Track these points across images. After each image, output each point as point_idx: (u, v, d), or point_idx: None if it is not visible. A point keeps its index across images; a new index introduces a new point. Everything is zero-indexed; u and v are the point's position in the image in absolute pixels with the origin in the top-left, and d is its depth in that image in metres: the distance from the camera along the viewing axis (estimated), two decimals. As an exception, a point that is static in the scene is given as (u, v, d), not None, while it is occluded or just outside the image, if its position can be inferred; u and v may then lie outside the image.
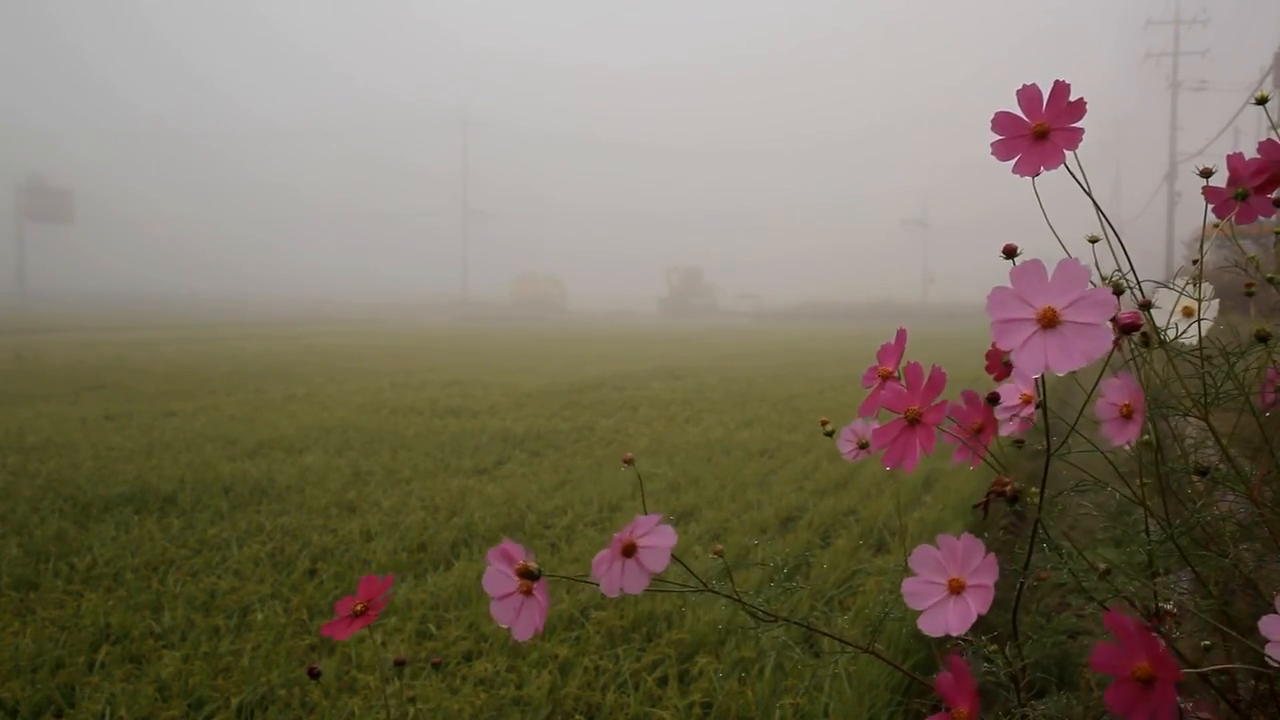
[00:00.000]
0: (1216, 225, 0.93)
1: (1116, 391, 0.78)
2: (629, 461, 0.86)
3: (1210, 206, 0.92)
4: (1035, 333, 0.64)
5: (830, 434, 0.99)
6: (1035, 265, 0.65)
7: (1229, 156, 0.92)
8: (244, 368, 11.10)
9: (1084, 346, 0.63)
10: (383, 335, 21.71)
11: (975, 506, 0.74)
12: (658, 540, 0.74)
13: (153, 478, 4.31)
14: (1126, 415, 0.77)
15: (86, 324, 25.27)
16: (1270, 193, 0.90)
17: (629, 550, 0.74)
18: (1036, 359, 0.64)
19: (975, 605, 0.70)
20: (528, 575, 0.75)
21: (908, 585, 0.73)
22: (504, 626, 0.77)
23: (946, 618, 0.71)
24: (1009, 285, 0.65)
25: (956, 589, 0.71)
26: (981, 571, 0.71)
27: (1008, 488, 0.74)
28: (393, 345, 17.13)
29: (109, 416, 6.56)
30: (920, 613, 0.73)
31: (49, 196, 54.61)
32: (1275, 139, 0.91)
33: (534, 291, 52.14)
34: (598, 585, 0.77)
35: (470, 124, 66.69)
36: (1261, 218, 0.91)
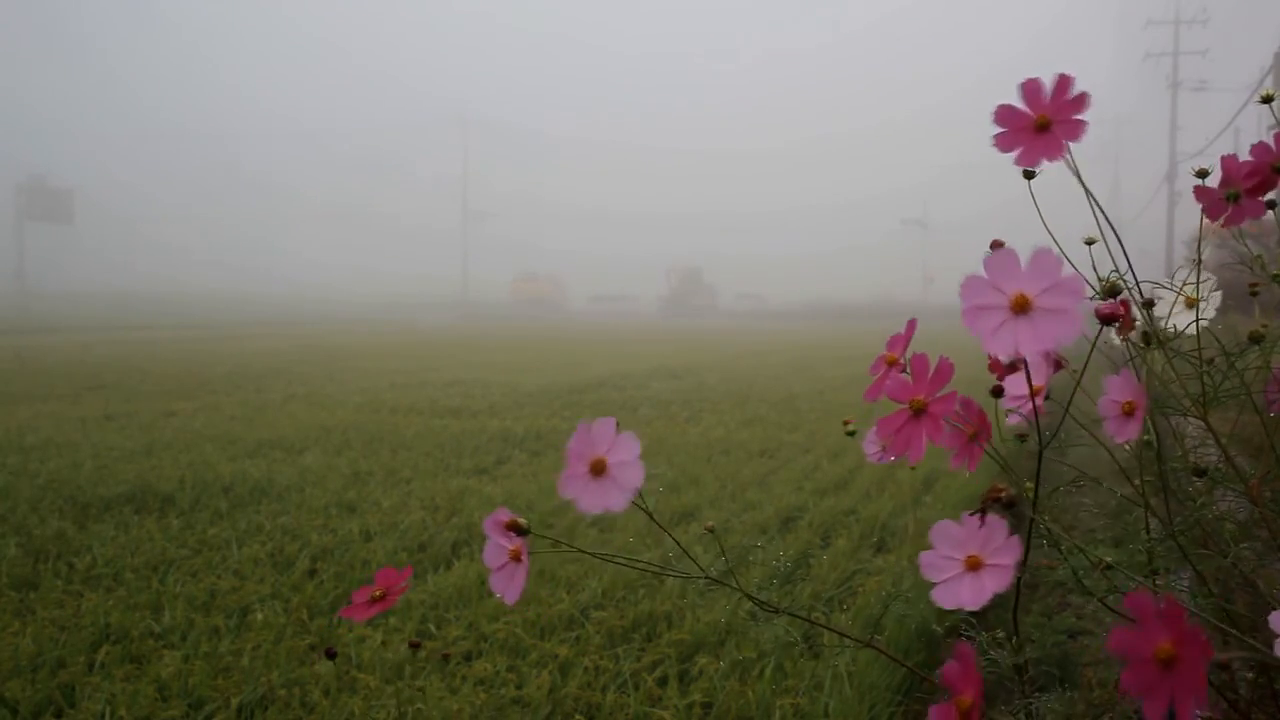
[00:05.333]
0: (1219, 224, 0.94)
1: (1119, 388, 0.78)
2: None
3: (1202, 207, 0.93)
4: (1007, 319, 0.65)
5: (852, 434, 0.99)
6: (1009, 254, 0.66)
7: (1224, 158, 0.92)
8: (244, 368, 11.09)
9: (1055, 331, 0.64)
10: (383, 335, 21.71)
11: (971, 514, 0.74)
12: (625, 454, 0.73)
13: (153, 478, 4.31)
14: (1129, 413, 0.77)
15: (86, 324, 25.26)
16: (1261, 194, 0.91)
17: (599, 468, 0.73)
18: (1008, 343, 0.65)
19: (991, 583, 0.70)
20: (517, 530, 0.76)
21: (925, 558, 0.73)
22: (498, 595, 0.78)
23: (960, 592, 0.71)
24: (982, 273, 0.66)
25: (974, 566, 0.71)
26: (1003, 551, 0.71)
27: (1003, 494, 0.74)
28: (393, 345, 17.13)
29: (109, 416, 6.56)
30: (931, 596, 0.73)
31: (49, 196, 54.59)
32: (1267, 142, 0.91)
33: (534, 291, 52.06)
34: (591, 556, 0.78)
35: (469, 124, 66.73)
36: (1267, 215, 0.91)
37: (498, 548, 0.79)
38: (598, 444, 0.74)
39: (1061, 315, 0.64)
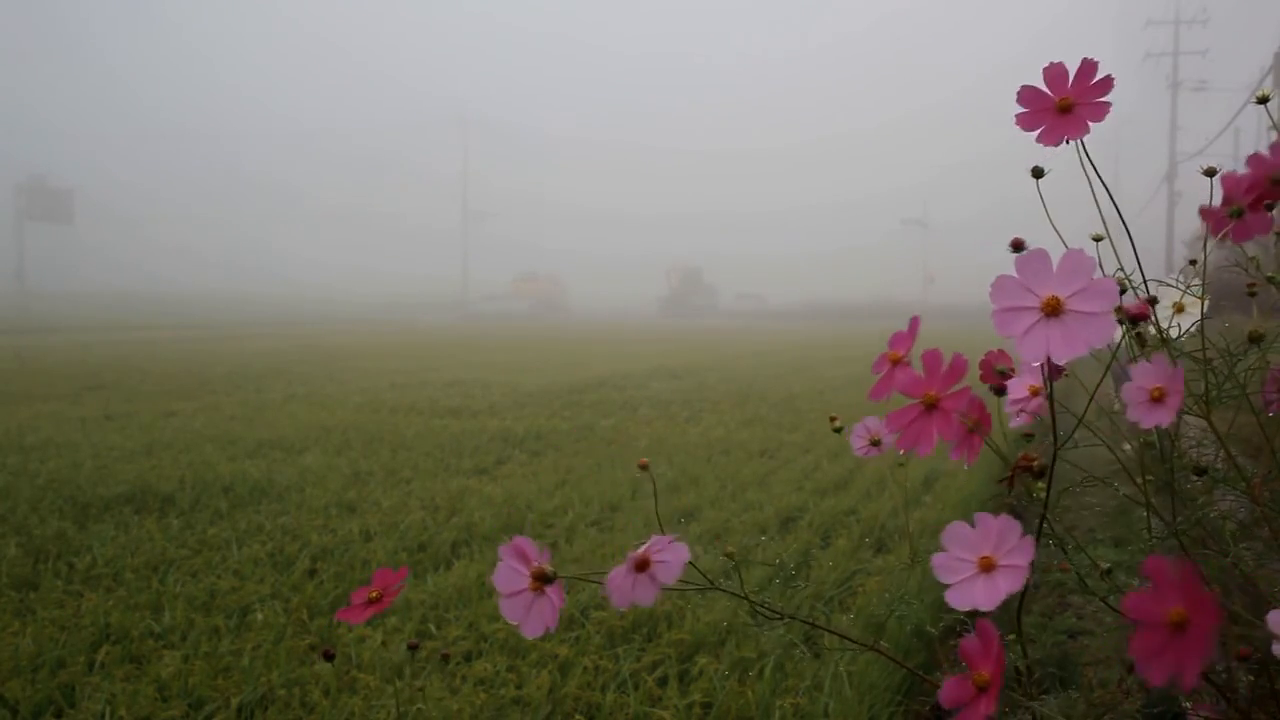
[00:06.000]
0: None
1: (1146, 375, 0.77)
2: (644, 467, 0.86)
3: (1208, 227, 0.93)
4: (1038, 321, 0.64)
5: (839, 430, 0.98)
6: (1040, 254, 0.65)
7: (1223, 176, 0.93)
8: (244, 368, 11.09)
9: (1087, 335, 0.63)
10: (383, 335, 21.71)
11: (1000, 481, 0.73)
12: (671, 556, 0.75)
13: (153, 478, 4.31)
14: (1158, 399, 0.76)
15: (86, 324, 25.26)
16: (1263, 207, 0.91)
17: (642, 566, 0.75)
18: (1039, 347, 0.63)
19: (1005, 584, 0.70)
20: (543, 579, 0.76)
21: (937, 560, 0.73)
22: (513, 623, 0.77)
23: (975, 593, 0.70)
24: (1013, 274, 0.65)
25: (987, 567, 0.71)
26: (1016, 552, 0.70)
27: (1034, 462, 0.73)
28: (393, 345, 17.13)
29: (109, 416, 6.56)
30: (945, 598, 0.72)
31: (49, 196, 54.59)
32: (1262, 153, 0.91)
33: (534, 291, 52.02)
34: (600, 583, 0.78)
35: (469, 123, 66.73)
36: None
37: (512, 572, 0.78)
38: (651, 547, 0.76)
39: (1094, 319, 0.63)
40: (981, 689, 0.66)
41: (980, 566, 0.71)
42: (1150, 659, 0.55)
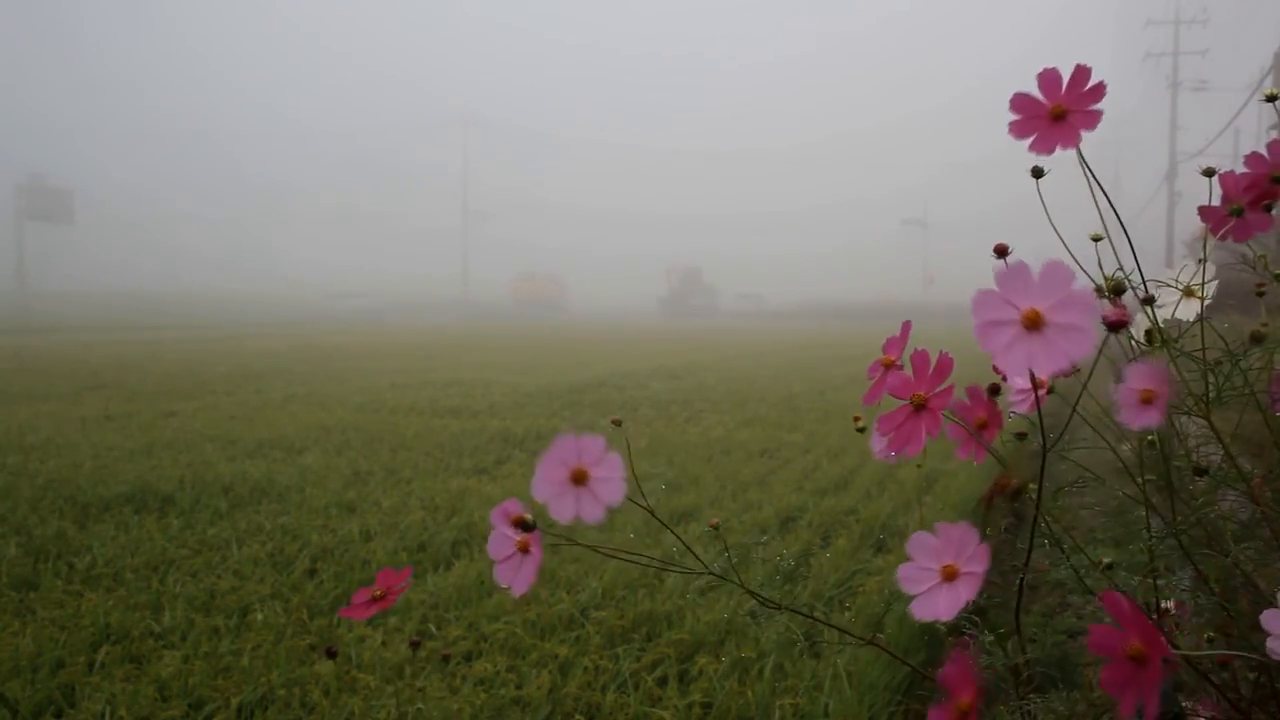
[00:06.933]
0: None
1: (1140, 377, 0.77)
2: (617, 423, 0.86)
3: (1208, 226, 0.93)
4: (1019, 335, 0.63)
5: (862, 430, 0.99)
6: (1021, 268, 0.65)
7: (1222, 176, 0.92)
8: (244, 368, 11.09)
9: (1068, 348, 0.62)
10: (383, 335, 21.71)
11: (979, 501, 0.74)
12: (609, 471, 0.74)
13: (153, 478, 4.31)
14: (1147, 401, 0.76)
15: (86, 324, 25.26)
16: (1262, 206, 0.91)
17: (580, 478, 0.74)
18: (1020, 361, 0.63)
19: (965, 592, 0.70)
20: (523, 526, 0.77)
21: (903, 571, 0.73)
22: (504, 586, 0.78)
23: (938, 604, 0.71)
24: (994, 288, 0.65)
25: (950, 576, 0.71)
26: (973, 560, 0.71)
27: (1011, 484, 0.74)
28: (393, 345, 17.13)
29: (109, 416, 6.56)
30: (910, 610, 0.73)
31: (48, 196, 54.57)
32: (1261, 152, 0.91)
33: (534, 291, 51.99)
34: (594, 550, 0.78)
35: (469, 123, 66.79)
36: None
37: (503, 537, 0.79)
38: (583, 457, 0.74)
39: (1074, 331, 0.62)
40: (963, 715, 0.68)
41: (944, 575, 0.72)
42: (1119, 690, 0.59)
